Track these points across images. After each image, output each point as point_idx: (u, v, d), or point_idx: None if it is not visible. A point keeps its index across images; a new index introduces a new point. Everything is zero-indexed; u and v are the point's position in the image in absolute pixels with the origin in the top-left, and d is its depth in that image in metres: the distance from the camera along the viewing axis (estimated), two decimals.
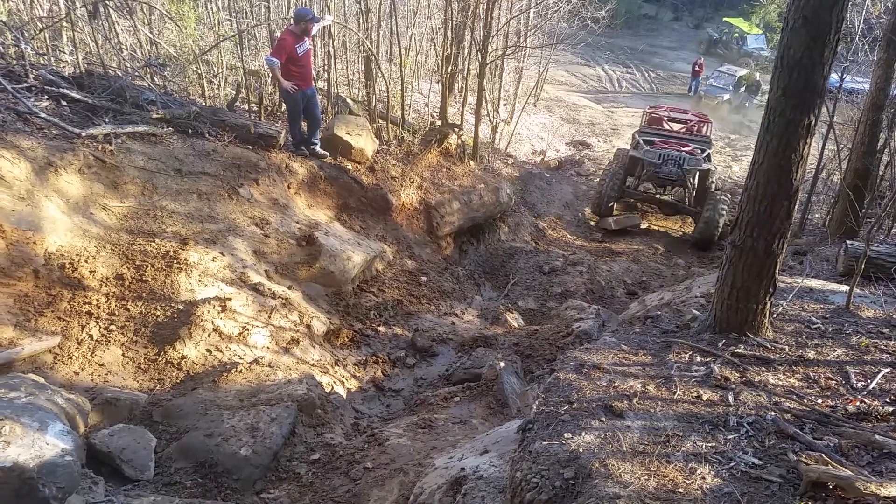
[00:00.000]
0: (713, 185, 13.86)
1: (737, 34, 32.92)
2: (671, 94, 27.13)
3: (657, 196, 14.26)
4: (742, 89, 25.56)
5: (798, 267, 8.90)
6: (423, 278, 9.54)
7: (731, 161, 19.44)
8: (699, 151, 13.50)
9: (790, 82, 3.61)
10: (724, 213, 12.41)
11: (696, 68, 26.75)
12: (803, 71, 3.56)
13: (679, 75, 29.70)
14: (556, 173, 15.97)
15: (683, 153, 13.09)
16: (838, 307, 4.82)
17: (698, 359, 3.85)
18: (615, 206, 14.02)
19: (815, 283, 5.64)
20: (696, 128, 15.63)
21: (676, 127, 15.65)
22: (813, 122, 3.67)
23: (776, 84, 3.71)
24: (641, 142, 13.79)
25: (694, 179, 13.46)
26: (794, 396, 3.31)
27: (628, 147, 15.00)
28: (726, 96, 25.00)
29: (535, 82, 19.54)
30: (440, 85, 12.56)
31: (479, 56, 11.91)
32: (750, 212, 3.90)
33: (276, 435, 5.18)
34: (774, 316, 4.41)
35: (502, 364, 6.59)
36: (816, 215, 12.32)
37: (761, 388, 3.41)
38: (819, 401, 3.27)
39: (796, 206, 3.95)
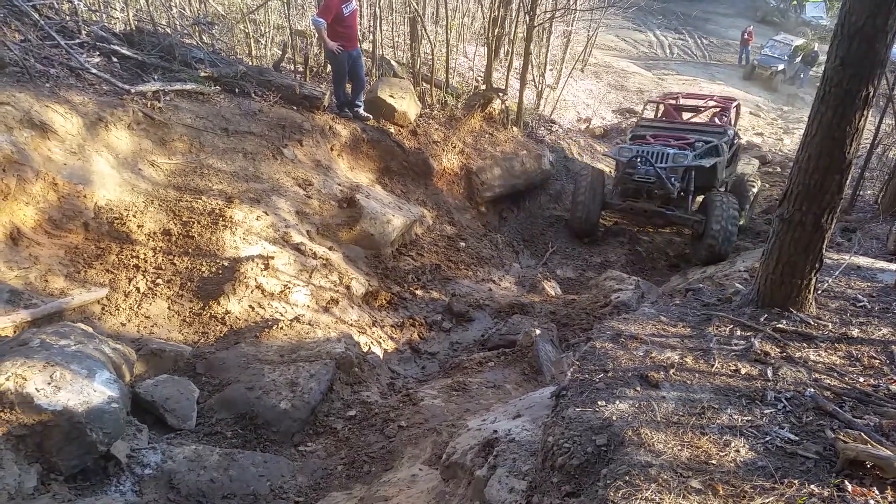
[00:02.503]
0: (726, 184, 11.28)
1: (795, 2, 31.61)
2: (722, 63, 26.32)
3: (641, 205, 10.60)
4: (797, 60, 24.57)
5: (846, 244, 8.65)
6: (462, 244, 9.55)
7: (782, 133, 18.86)
8: (702, 145, 10.34)
9: (850, 51, 3.47)
10: (735, 217, 9.54)
11: (746, 36, 25.83)
12: (864, 39, 3.42)
13: (732, 43, 28.73)
14: (602, 141, 15.70)
15: (664, 148, 10.10)
16: (886, 286, 4.68)
17: (739, 332, 3.80)
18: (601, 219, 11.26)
19: (863, 260, 5.48)
20: (716, 114, 12.67)
21: (688, 116, 12.93)
22: (871, 94, 3.53)
23: (834, 53, 3.57)
24: (628, 138, 11.16)
25: (683, 181, 10.14)
26: (835, 374, 3.25)
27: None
28: (780, 66, 24.06)
29: (584, 47, 19.12)
30: (486, 48, 12.39)
31: (527, 19, 11.67)
32: (800, 185, 3.79)
33: (315, 391, 5.31)
34: (819, 292, 4.31)
35: (538, 331, 6.60)
36: (869, 192, 11.88)
37: (801, 365, 3.36)
38: (861, 379, 3.21)
39: (848, 181, 3.83)
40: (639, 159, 9.95)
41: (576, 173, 12.09)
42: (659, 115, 12.55)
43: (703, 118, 13.51)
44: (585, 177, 10.88)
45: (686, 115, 13.09)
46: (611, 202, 10.75)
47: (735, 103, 12.29)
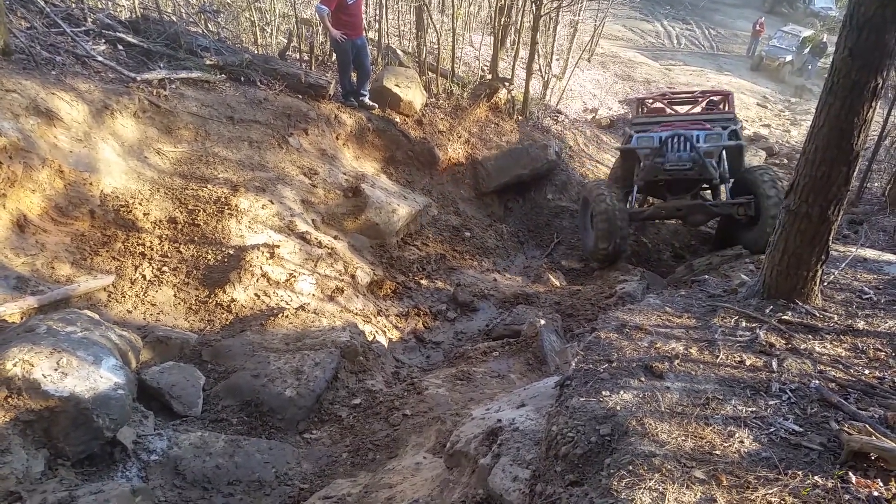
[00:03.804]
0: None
1: None
2: (730, 55, 26.14)
3: (674, 203, 9.02)
4: (806, 51, 24.34)
5: (853, 236, 8.63)
6: (467, 234, 9.55)
7: (789, 125, 18.74)
8: (721, 129, 9.14)
9: (858, 41, 3.44)
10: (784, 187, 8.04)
11: (757, 27, 25.58)
12: (874, 30, 3.39)
13: (740, 34, 28.52)
14: (608, 132, 15.64)
15: (689, 130, 8.88)
16: (893, 278, 4.66)
17: (744, 324, 3.80)
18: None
19: (869, 252, 5.46)
20: (711, 106, 11.27)
21: (684, 110, 11.36)
22: (880, 85, 3.50)
23: (843, 43, 3.54)
24: (633, 133, 9.44)
25: (719, 163, 8.85)
26: (841, 366, 3.25)
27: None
28: (788, 57, 23.85)
29: (591, 37, 19.01)
30: (492, 37, 12.33)
31: (534, 8, 11.61)
32: (806, 176, 3.77)
33: (320, 379, 5.33)
34: (825, 284, 4.30)
35: (542, 322, 6.61)
36: (876, 184, 11.81)
37: (807, 356, 3.35)
38: (866, 371, 3.20)
39: (855, 173, 3.81)
40: (669, 143, 8.65)
41: (583, 197, 9.93)
42: (644, 112, 10.97)
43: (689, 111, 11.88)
44: (603, 198, 8.83)
45: (678, 110, 11.36)
46: (634, 213, 9.03)
47: (730, 94, 11.09)
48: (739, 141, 9.20)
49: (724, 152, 8.87)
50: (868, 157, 10.21)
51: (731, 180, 8.91)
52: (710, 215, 9.23)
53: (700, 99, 11.16)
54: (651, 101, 11.36)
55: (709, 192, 9.63)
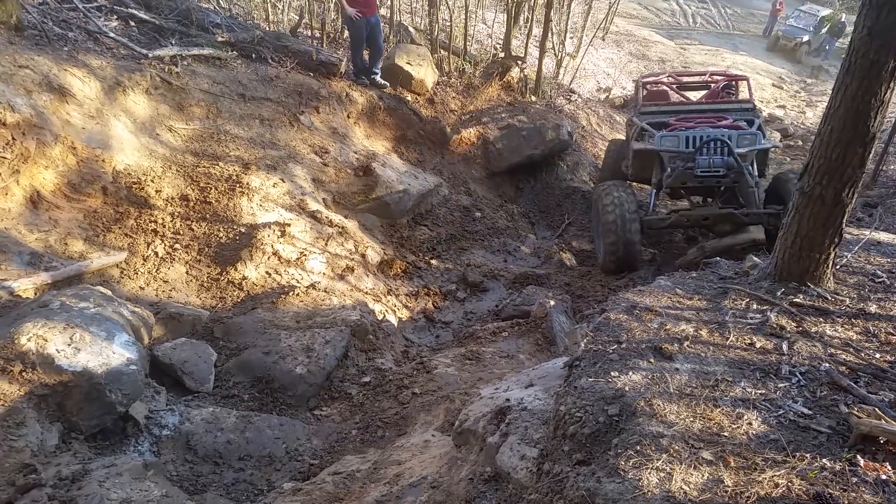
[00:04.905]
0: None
1: None
2: (746, 34, 25.75)
3: (701, 212, 8.05)
4: (823, 31, 23.89)
5: (867, 219, 8.53)
6: (478, 214, 9.53)
7: (805, 106, 18.49)
8: (746, 125, 8.15)
9: (878, 20, 3.37)
10: None
11: (777, 7, 25.12)
12: (894, 8, 3.32)
13: (757, 13, 28.06)
14: (621, 112, 15.50)
15: (718, 130, 7.80)
16: None
17: (755, 306, 3.77)
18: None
19: (884, 236, 5.40)
20: (723, 90, 10.24)
21: (695, 96, 10.33)
22: None
23: (862, 23, 3.47)
24: (645, 127, 8.43)
25: (754, 167, 7.89)
26: (851, 349, 3.23)
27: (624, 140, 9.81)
28: (805, 37, 23.42)
29: (605, 14, 18.77)
30: (505, 15, 12.20)
31: None
32: (821, 158, 3.72)
33: (330, 356, 5.37)
34: (838, 267, 4.26)
35: (552, 302, 6.61)
36: (892, 167, 11.64)
37: (817, 339, 3.33)
38: (877, 355, 3.18)
39: (871, 156, 3.76)
40: (704, 148, 7.50)
41: (594, 200, 8.90)
42: (647, 96, 9.89)
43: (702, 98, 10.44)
44: (612, 208, 7.84)
45: (688, 96, 10.59)
46: (652, 221, 7.98)
47: (744, 77, 10.14)
48: (770, 141, 8.28)
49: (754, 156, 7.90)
50: (884, 139, 10.05)
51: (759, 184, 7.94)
52: (740, 225, 8.16)
53: (712, 83, 10.28)
54: (654, 84, 10.18)
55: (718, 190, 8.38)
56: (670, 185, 7.94)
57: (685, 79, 10.85)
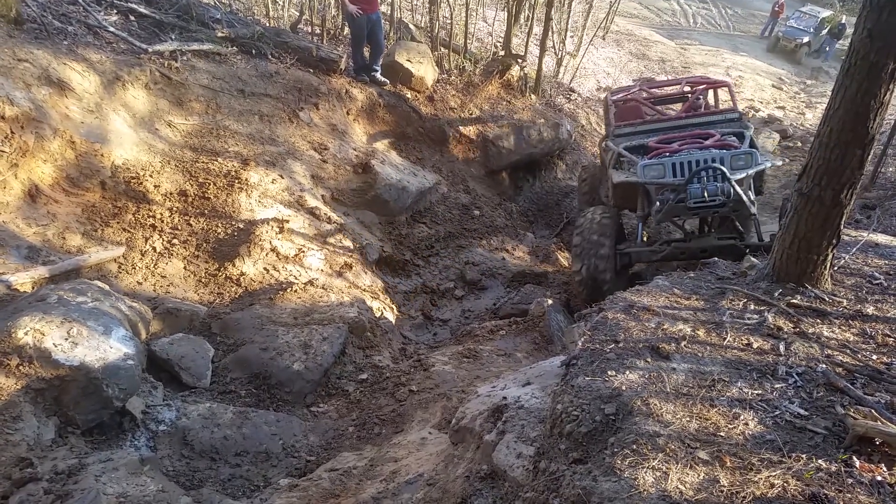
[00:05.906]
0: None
1: None
2: (746, 35, 25.74)
3: (699, 244, 6.93)
4: (824, 32, 23.87)
5: (865, 221, 8.54)
6: (476, 212, 9.53)
7: (804, 108, 18.49)
8: (735, 140, 7.20)
9: (878, 22, 3.37)
10: None
11: (777, 8, 25.08)
12: (894, 11, 3.32)
13: (758, 14, 28.03)
14: None
15: (708, 152, 6.70)
16: None
17: (752, 307, 3.78)
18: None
19: (882, 238, 5.41)
20: (703, 99, 9.31)
21: (673, 107, 9.34)
22: None
23: (862, 24, 3.47)
24: (623, 153, 7.40)
25: (751, 191, 6.78)
26: (848, 351, 3.23)
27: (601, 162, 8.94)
28: (805, 39, 23.39)
29: (606, 13, 18.76)
30: (506, 13, 12.19)
31: None
32: (820, 159, 3.73)
33: (328, 353, 5.37)
34: (836, 269, 4.27)
35: (550, 301, 6.62)
36: (891, 169, 11.64)
37: (814, 340, 3.34)
38: (874, 357, 3.19)
39: (870, 157, 3.76)
40: (696, 177, 6.48)
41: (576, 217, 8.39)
42: (613, 116, 8.65)
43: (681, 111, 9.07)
44: (579, 230, 7.16)
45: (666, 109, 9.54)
46: (642, 254, 7.02)
47: (726, 83, 9.32)
48: (767, 158, 7.43)
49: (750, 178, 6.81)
50: (883, 141, 10.05)
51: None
52: (741, 256, 6.68)
53: (688, 93, 9.34)
54: (624, 100, 9.10)
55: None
56: (661, 220, 6.96)
57: (659, 91, 9.86)
